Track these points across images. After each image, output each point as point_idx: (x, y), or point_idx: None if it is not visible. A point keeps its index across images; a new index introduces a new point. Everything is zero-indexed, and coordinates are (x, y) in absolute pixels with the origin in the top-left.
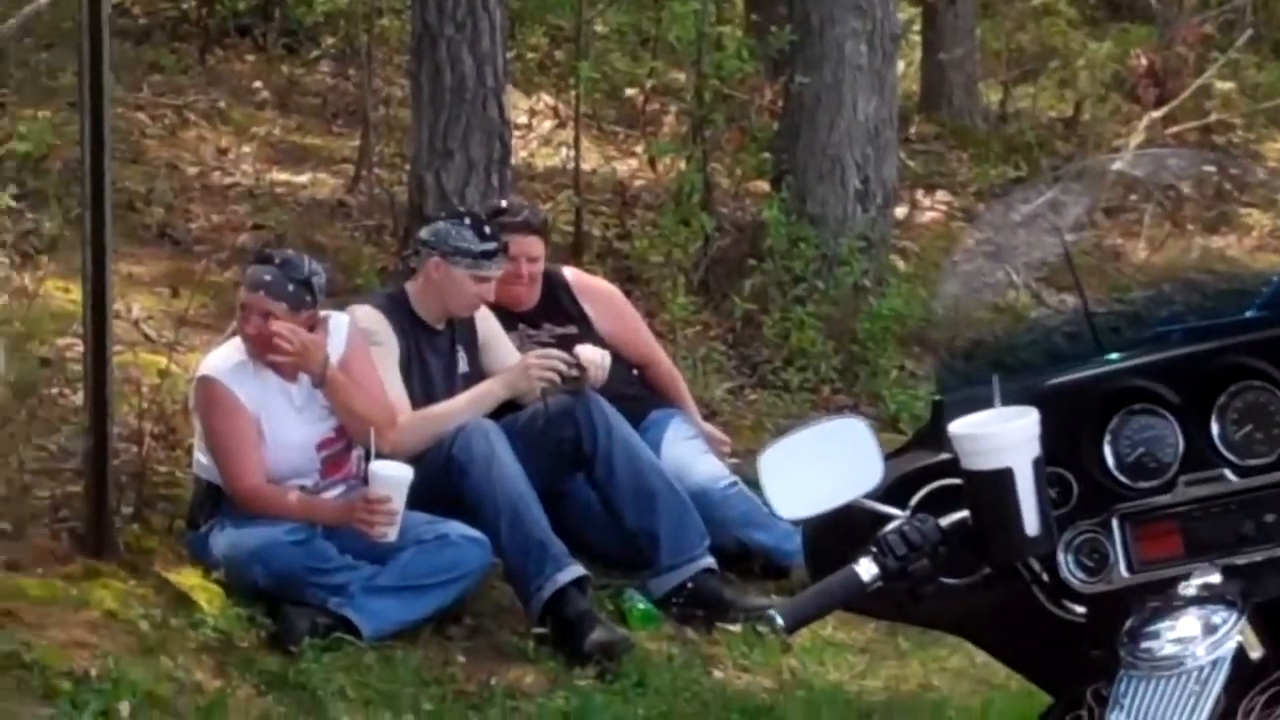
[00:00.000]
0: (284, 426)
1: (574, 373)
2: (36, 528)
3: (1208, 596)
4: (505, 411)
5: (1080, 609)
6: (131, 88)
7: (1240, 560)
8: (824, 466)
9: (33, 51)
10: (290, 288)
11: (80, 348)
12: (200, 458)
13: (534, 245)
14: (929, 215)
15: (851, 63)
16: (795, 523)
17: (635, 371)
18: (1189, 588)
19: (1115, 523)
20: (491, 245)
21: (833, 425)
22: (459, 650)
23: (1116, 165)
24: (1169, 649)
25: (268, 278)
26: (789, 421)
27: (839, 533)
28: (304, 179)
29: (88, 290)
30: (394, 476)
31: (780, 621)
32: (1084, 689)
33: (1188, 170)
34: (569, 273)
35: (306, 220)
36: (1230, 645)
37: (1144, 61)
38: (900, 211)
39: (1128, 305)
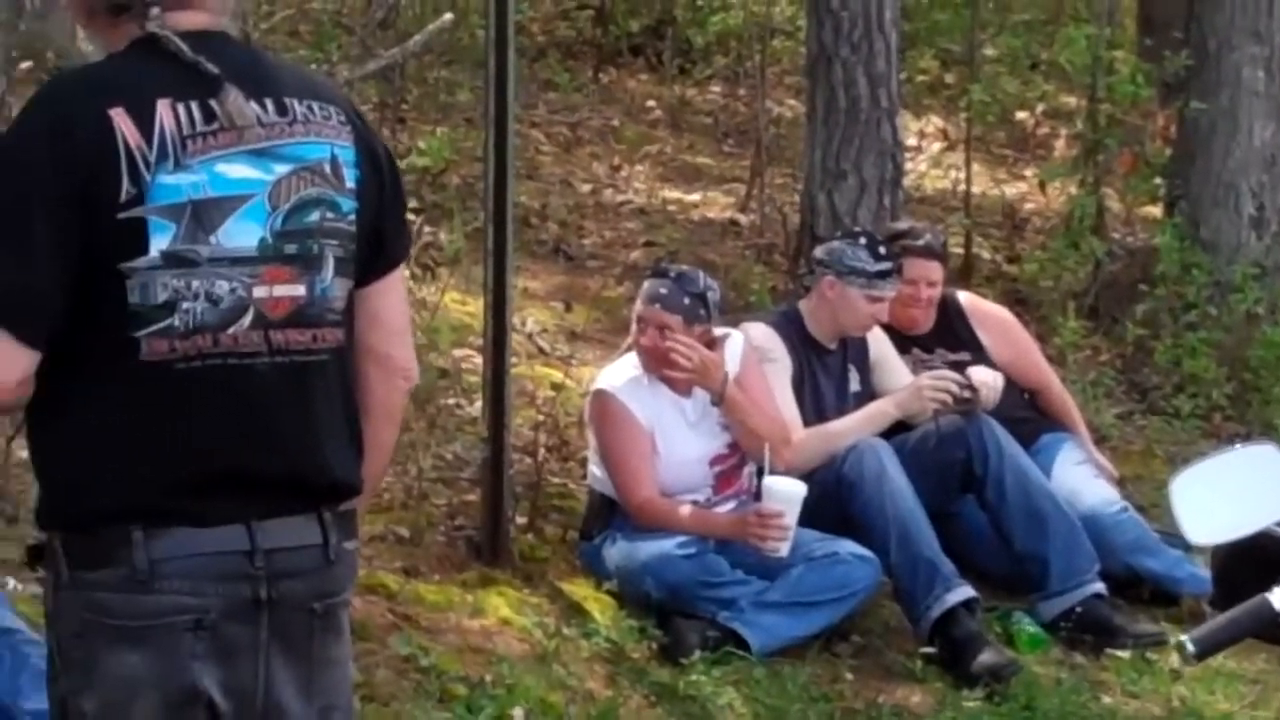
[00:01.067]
0: (678, 441)
1: (966, 394)
2: (433, 534)
3: None
4: (896, 432)
5: None
6: (527, 105)
7: None
8: (1237, 493)
9: (432, 68)
10: (685, 301)
11: (476, 359)
12: (595, 470)
13: (934, 270)
14: None
15: (1249, 88)
16: (1205, 549)
17: (1027, 395)
18: None
19: None
20: (886, 265)
21: (1247, 451)
22: (846, 668)
23: None
24: None
25: (663, 291)
26: (1178, 448)
27: (1250, 560)
28: (695, 197)
29: (488, 303)
30: (788, 492)
31: (1191, 649)
32: None
33: None
34: (963, 297)
35: (698, 238)
36: None
37: None
38: None
39: None
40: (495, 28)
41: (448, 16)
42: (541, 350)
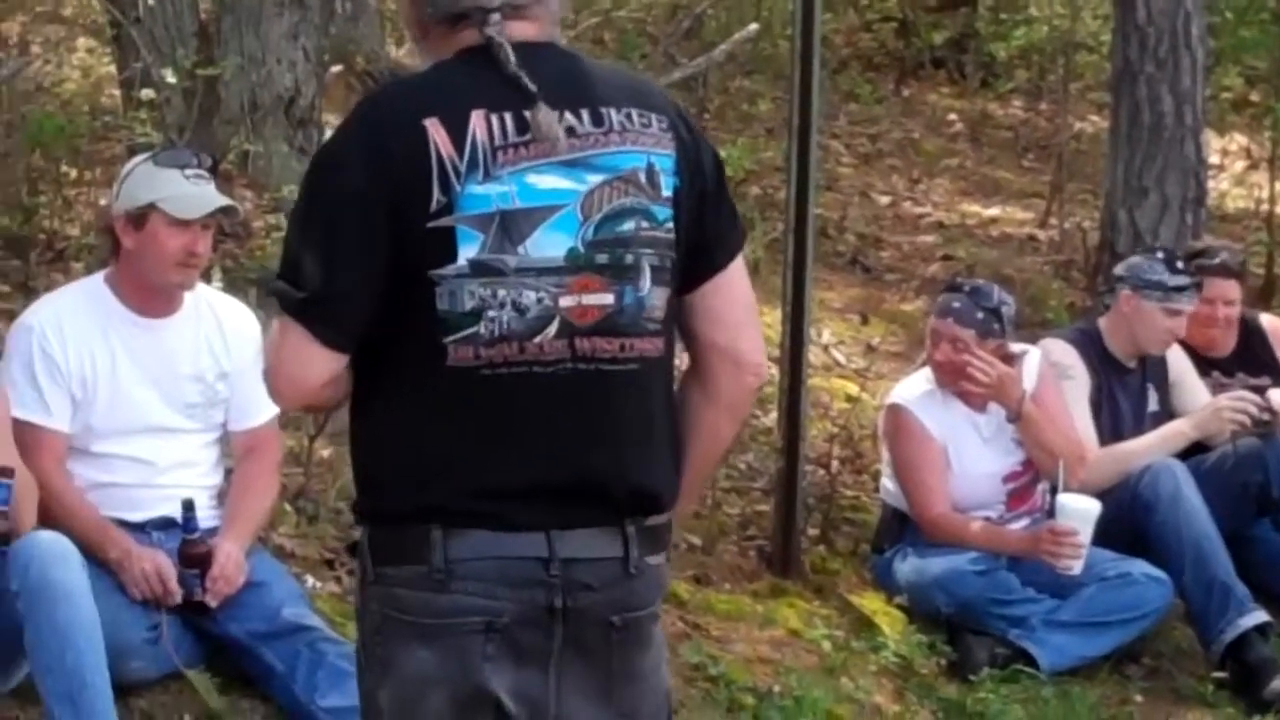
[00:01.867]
0: (971, 457)
1: (1265, 417)
2: (725, 543)
3: None
4: (1193, 453)
5: None
6: (829, 116)
7: None
8: None
9: (734, 78)
10: (979, 315)
11: (773, 369)
12: (887, 484)
13: (1230, 289)
14: None
15: None
16: None
17: None
18: None
19: None
20: (1183, 280)
21: None
22: (1137, 690)
23: None
24: None
25: (957, 304)
26: None
27: None
28: (994, 212)
29: (786, 314)
30: (1082, 510)
31: None
32: None
33: None
34: (1265, 320)
35: (996, 253)
36: None
37: None
38: None
39: None
40: (801, 39)
41: (753, 26)
42: (837, 362)
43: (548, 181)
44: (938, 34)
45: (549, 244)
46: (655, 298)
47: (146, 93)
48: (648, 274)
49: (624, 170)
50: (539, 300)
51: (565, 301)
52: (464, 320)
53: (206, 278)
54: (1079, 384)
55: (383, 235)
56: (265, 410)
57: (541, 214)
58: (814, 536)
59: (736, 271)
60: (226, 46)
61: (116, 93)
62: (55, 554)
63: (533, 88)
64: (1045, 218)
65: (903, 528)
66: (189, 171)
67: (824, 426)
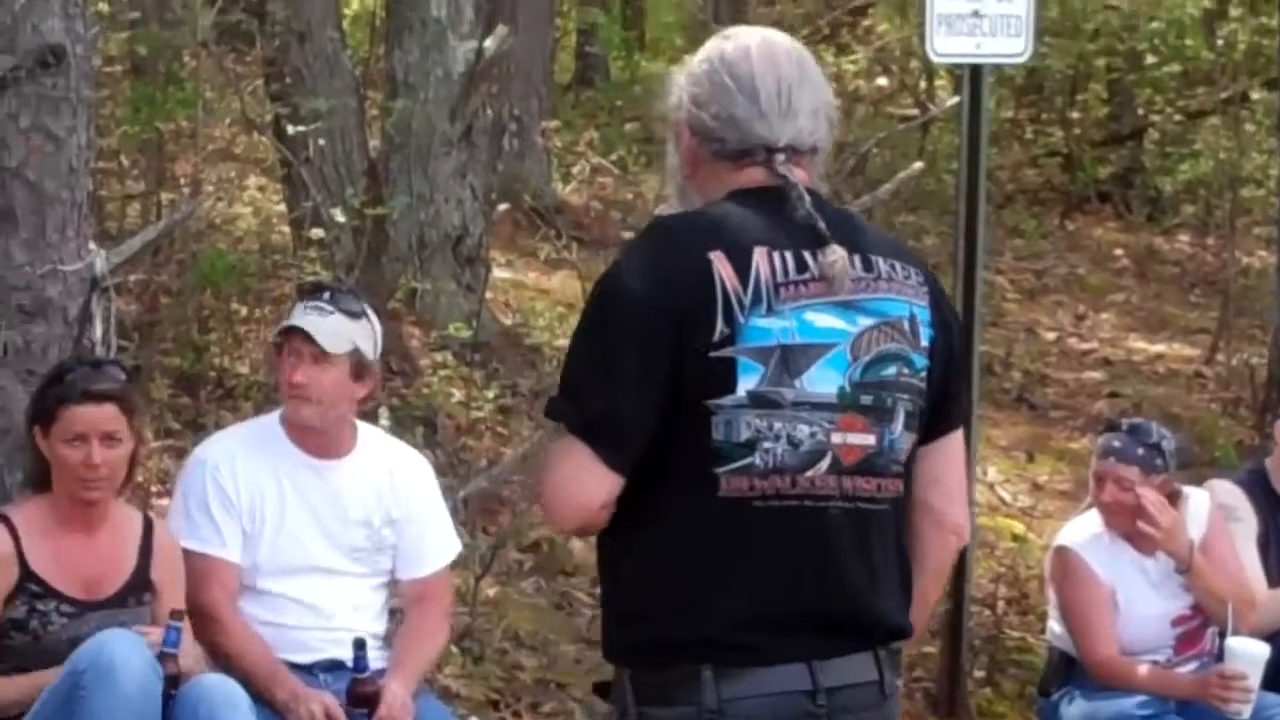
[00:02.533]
0: (1140, 600)
1: None
2: None
3: None
4: None
5: None
6: (993, 251)
7: None
8: None
9: (898, 213)
10: (1139, 451)
11: None
12: (1054, 626)
13: None
14: None
15: None
16: None
17: None
18: None
19: None
20: None
21: None
22: None
23: None
24: None
25: (1117, 444)
26: None
27: None
28: (1160, 348)
29: None
30: (1251, 653)
31: None
32: None
33: None
34: None
35: (1162, 389)
36: None
37: None
38: None
39: None
40: (967, 175)
41: (917, 165)
42: (1003, 501)
43: (824, 320)
44: (1103, 168)
45: (822, 380)
46: (904, 441)
47: (316, 231)
48: (901, 418)
49: (891, 316)
50: (812, 435)
51: (835, 438)
52: (738, 451)
53: (373, 418)
54: (1247, 526)
55: (666, 361)
56: (436, 560)
57: (817, 351)
58: (980, 678)
59: (959, 438)
60: (395, 185)
61: (286, 230)
62: (223, 697)
63: (825, 230)
64: (1212, 354)
65: (1070, 671)
66: (310, 303)
67: (990, 566)
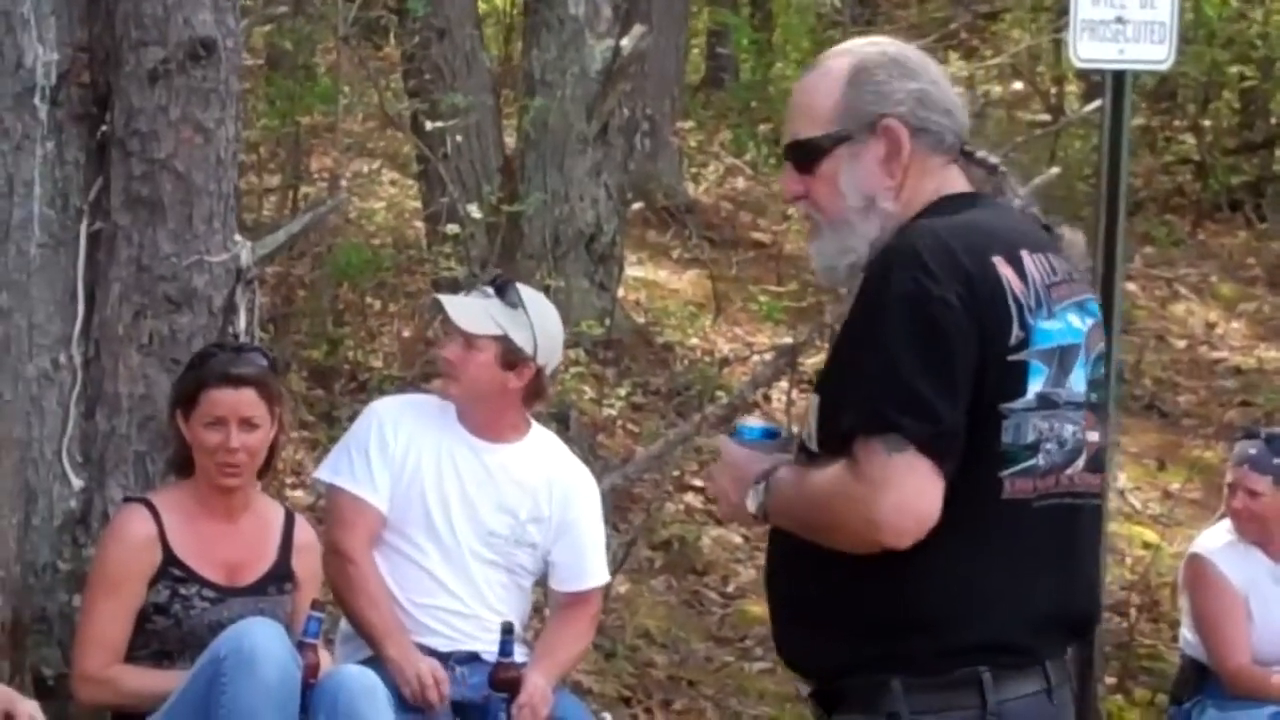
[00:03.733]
0: (1274, 608)
1: None
2: None
3: None
4: None
5: None
6: (1124, 259)
7: None
8: None
9: None
10: (1275, 462)
11: None
12: (1187, 634)
13: None
14: None
15: None
16: None
17: None
18: None
19: None
20: None
21: None
22: None
23: None
24: None
25: (1252, 451)
26: None
27: None
28: None
29: None
30: None
31: None
32: None
33: None
34: None
35: None
36: None
37: None
38: None
39: None
40: (1107, 182)
41: (1054, 171)
42: (1134, 509)
43: (1074, 320)
44: (1235, 176)
45: (1078, 380)
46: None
47: (451, 227)
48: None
49: (1097, 316)
50: (1074, 434)
51: (1085, 436)
52: (1023, 453)
53: None
54: None
55: (973, 368)
56: (595, 576)
57: (1076, 350)
58: (1111, 685)
59: None
60: (530, 183)
61: (420, 226)
62: (362, 688)
63: (1053, 227)
64: None
65: (1202, 679)
66: (475, 287)
67: (1121, 573)
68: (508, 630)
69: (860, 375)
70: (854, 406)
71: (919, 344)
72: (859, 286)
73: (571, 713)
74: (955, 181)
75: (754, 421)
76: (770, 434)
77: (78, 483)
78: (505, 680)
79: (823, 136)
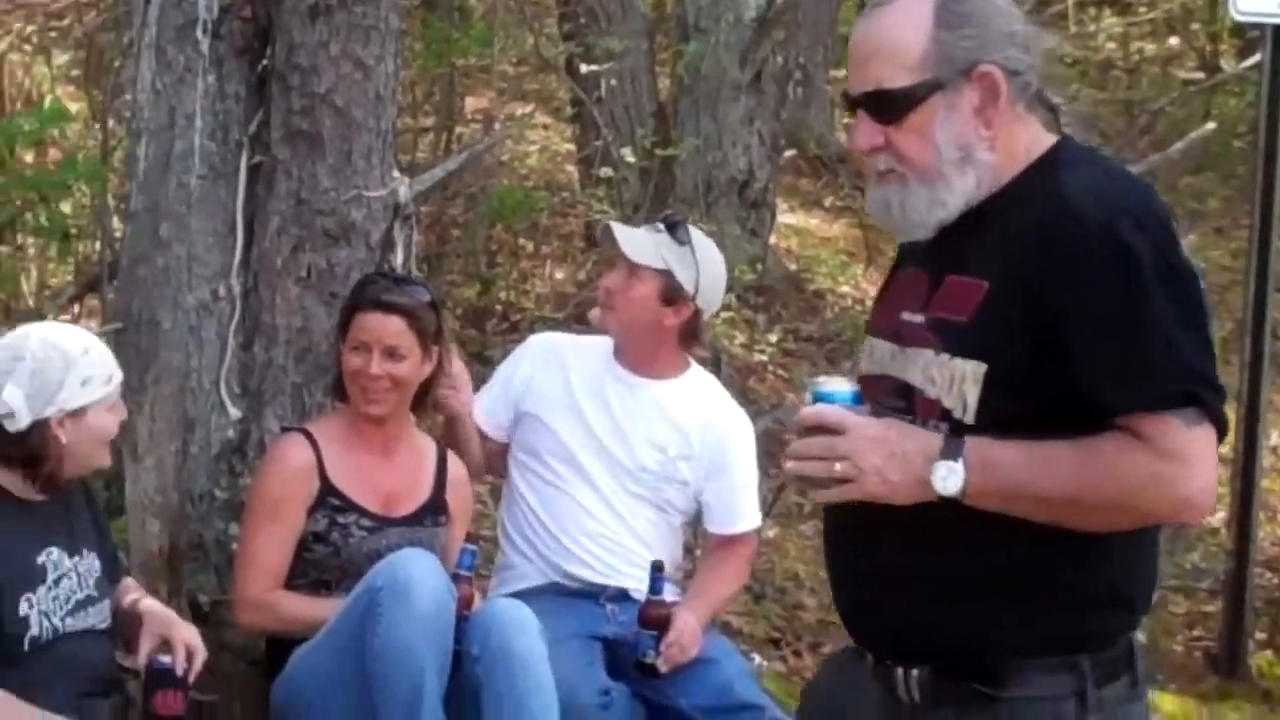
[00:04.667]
0: None
1: None
2: (1170, 643)
3: None
4: None
5: None
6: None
7: None
8: None
9: (1181, 175)
10: None
11: (1221, 470)
12: None
13: None
14: None
15: None
16: None
17: None
18: None
19: None
20: None
21: None
22: None
23: None
24: None
25: None
26: None
27: None
28: None
29: (1240, 415)
30: None
31: None
32: None
33: None
34: None
35: None
36: None
37: None
38: None
39: None
40: (1265, 141)
41: (1210, 125)
42: None
43: None
44: None
45: None
46: None
47: (605, 171)
48: None
49: None
50: None
51: None
52: None
53: None
54: None
55: None
56: (749, 519)
57: None
58: (1261, 640)
59: None
60: (684, 128)
61: (571, 169)
62: (515, 621)
63: None
64: None
65: None
66: (649, 221)
67: (1273, 529)
68: (658, 568)
69: (1139, 348)
70: (1137, 381)
71: (1192, 313)
72: (1067, 251)
73: (720, 652)
74: (1039, 127)
75: (840, 384)
76: (858, 398)
77: (235, 413)
78: (655, 617)
79: (915, 85)
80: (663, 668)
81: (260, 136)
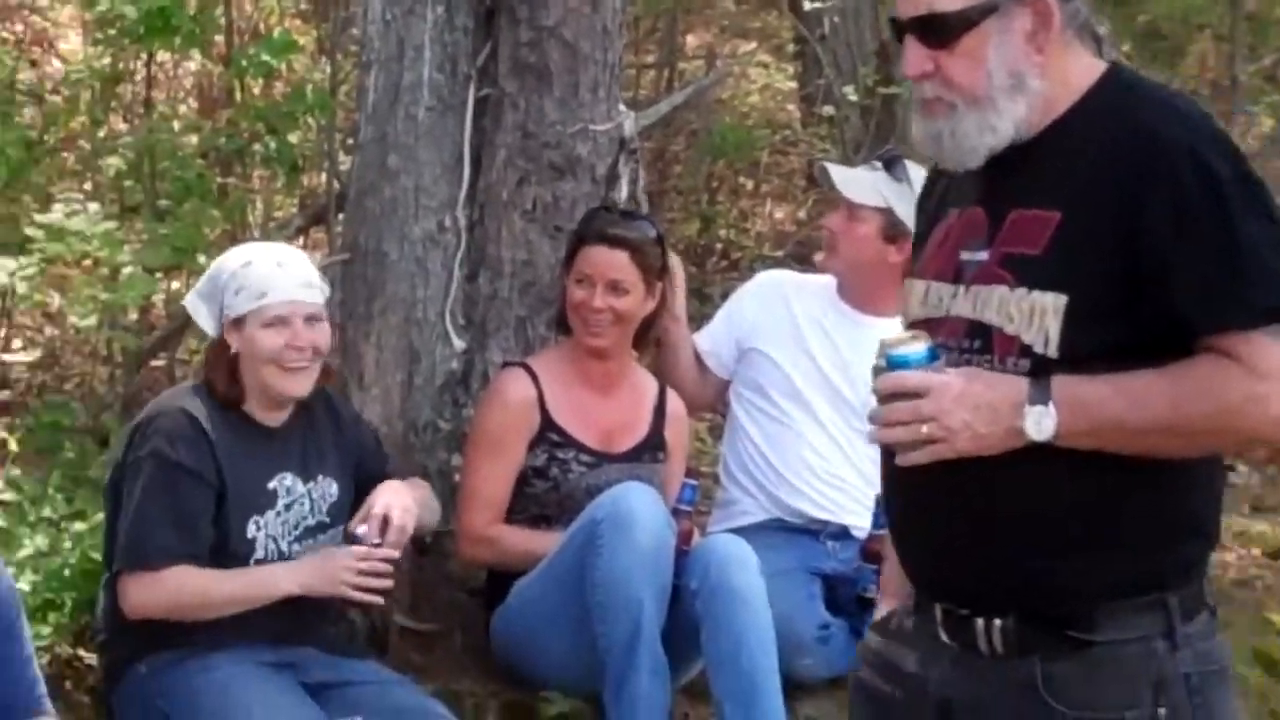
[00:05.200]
0: None
1: None
2: None
3: None
4: None
5: None
6: None
7: None
8: None
9: None
10: None
11: None
12: None
13: None
14: None
15: None
16: None
17: None
18: None
19: None
20: None
21: None
22: None
23: None
24: None
25: None
26: None
27: None
28: None
29: None
30: None
31: None
32: None
33: None
34: None
35: None
36: None
37: None
38: None
39: None
40: None
41: None
42: None
43: None
44: None
45: None
46: None
47: (826, 109)
48: None
49: None
50: None
51: None
52: None
53: None
54: None
55: None
56: None
57: None
58: None
59: None
60: None
61: (791, 108)
62: (735, 557)
63: None
64: None
65: None
66: (868, 159)
67: None
68: (879, 503)
69: (1227, 266)
70: (1226, 300)
71: (1274, 232)
72: (1147, 172)
73: None
74: (1089, 56)
75: (913, 345)
76: (934, 355)
77: (459, 344)
78: (876, 552)
79: (968, 9)
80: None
81: (488, 69)
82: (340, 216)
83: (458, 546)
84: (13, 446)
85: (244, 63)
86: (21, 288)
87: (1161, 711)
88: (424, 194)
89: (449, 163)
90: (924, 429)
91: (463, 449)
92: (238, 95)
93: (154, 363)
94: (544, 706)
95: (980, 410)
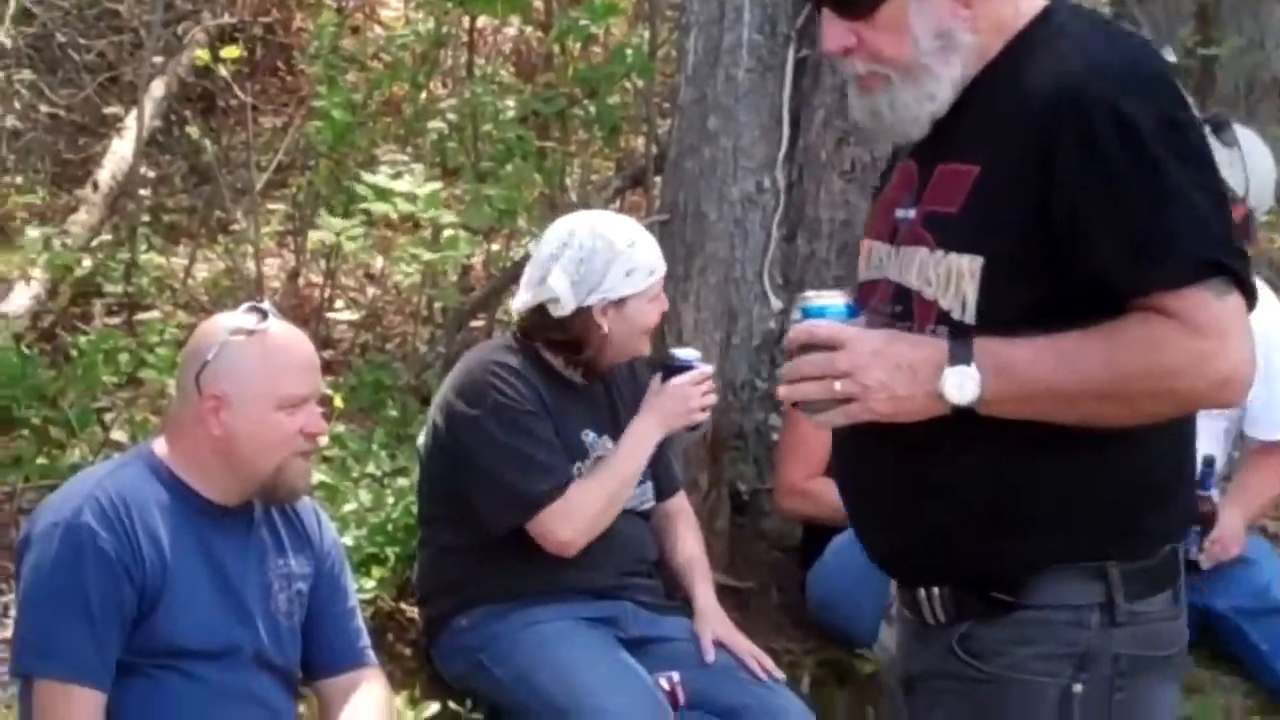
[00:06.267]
0: None
1: None
2: None
3: None
4: None
5: None
6: None
7: None
8: None
9: None
10: None
11: None
12: None
13: None
14: None
15: None
16: None
17: None
18: None
19: None
20: None
21: None
22: None
23: None
24: None
25: None
26: None
27: None
28: None
29: None
30: None
31: None
32: None
33: None
34: None
35: None
36: None
37: None
38: None
39: None
40: None
41: None
42: None
43: None
44: None
45: None
46: None
47: None
48: None
49: None
50: None
51: None
52: None
53: None
54: None
55: None
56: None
57: None
58: None
59: None
60: (1226, 28)
61: None
62: None
63: None
64: None
65: None
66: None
67: None
68: (1209, 463)
69: (1156, 220)
70: (1157, 256)
71: (1204, 175)
72: (1062, 125)
73: (1260, 555)
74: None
75: (832, 297)
76: (853, 311)
77: (777, 304)
78: (1201, 514)
79: None
80: (1205, 563)
81: (806, 30)
82: (658, 178)
83: (776, 500)
84: (338, 404)
85: (565, 26)
86: (349, 245)
87: (1077, 688)
88: (743, 155)
89: (768, 123)
90: (836, 385)
91: (780, 408)
92: (556, 59)
93: (473, 323)
94: (860, 664)
95: (900, 370)
